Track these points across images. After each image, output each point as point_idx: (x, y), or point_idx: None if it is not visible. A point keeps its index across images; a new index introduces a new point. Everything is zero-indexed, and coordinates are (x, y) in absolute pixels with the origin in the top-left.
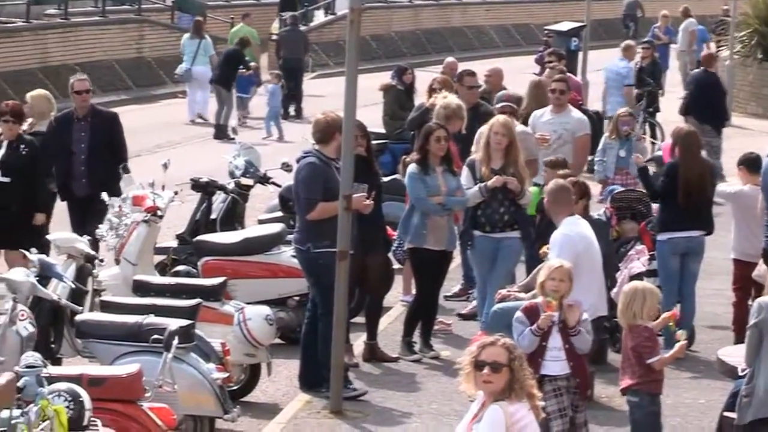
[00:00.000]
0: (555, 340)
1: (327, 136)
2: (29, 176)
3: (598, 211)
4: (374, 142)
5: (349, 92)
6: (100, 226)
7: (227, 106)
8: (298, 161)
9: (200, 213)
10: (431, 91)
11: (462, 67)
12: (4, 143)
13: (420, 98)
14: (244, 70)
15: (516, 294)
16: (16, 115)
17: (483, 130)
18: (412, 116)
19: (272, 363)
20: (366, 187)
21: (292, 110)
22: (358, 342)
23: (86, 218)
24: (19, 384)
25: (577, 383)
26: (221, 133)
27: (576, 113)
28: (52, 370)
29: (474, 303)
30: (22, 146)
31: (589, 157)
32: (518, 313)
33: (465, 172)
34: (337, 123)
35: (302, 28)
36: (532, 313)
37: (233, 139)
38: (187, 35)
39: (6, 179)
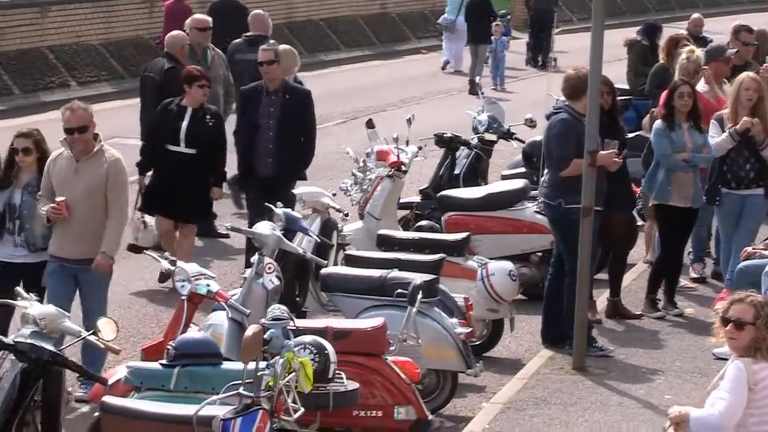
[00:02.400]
0: None
1: (577, 92)
2: (214, 149)
3: None
4: (619, 98)
5: (595, 48)
6: (345, 180)
7: (480, 60)
8: (548, 117)
9: (444, 168)
10: (669, 48)
11: (708, 24)
12: (188, 111)
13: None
14: (496, 22)
15: (762, 251)
16: (208, 80)
17: (733, 85)
18: (652, 73)
19: (515, 318)
20: (616, 144)
21: (540, 59)
22: (602, 298)
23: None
24: (266, 336)
25: None
26: (474, 88)
27: None
28: (298, 323)
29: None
30: (208, 116)
31: None
32: None
33: (713, 126)
34: (587, 79)
35: None
36: None
37: (482, 94)
38: None
39: (191, 151)
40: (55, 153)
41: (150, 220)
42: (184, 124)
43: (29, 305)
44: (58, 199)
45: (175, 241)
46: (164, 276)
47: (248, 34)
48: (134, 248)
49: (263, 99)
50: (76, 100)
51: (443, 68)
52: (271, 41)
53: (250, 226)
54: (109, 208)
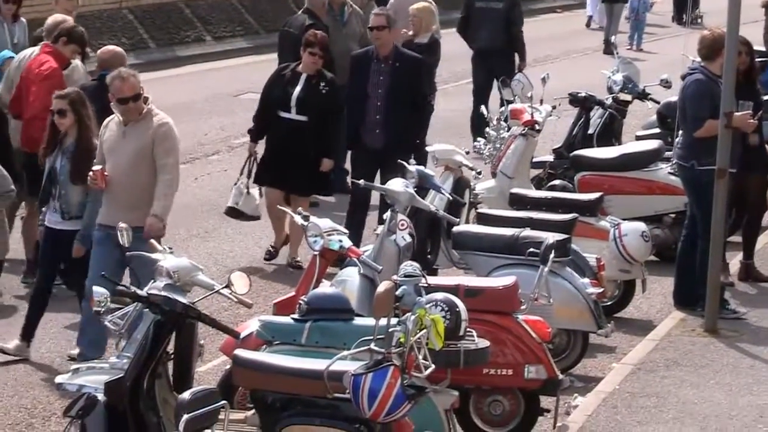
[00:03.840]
0: None
1: (713, 53)
2: (326, 117)
3: None
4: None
5: (733, 8)
6: (478, 138)
7: (615, 19)
8: (683, 78)
9: (577, 128)
10: None
11: None
12: (302, 78)
13: None
14: None
15: None
16: (324, 48)
17: None
18: None
19: (647, 279)
20: (751, 105)
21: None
22: (734, 261)
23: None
24: (398, 293)
25: None
26: (609, 47)
27: None
28: (430, 280)
29: None
30: (323, 83)
31: None
32: None
33: None
34: (723, 40)
35: None
36: None
37: (617, 53)
38: None
39: (303, 118)
40: (108, 119)
41: (254, 188)
42: (297, 89)
43: (163, 258)
44: (95, 167)
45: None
46: (271, 254)
47: None
48: (233, 212)
49: (372, 66)
50: (123, 69)
51: (587, 25)
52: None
53: (353, 207)
54: (159, 173)
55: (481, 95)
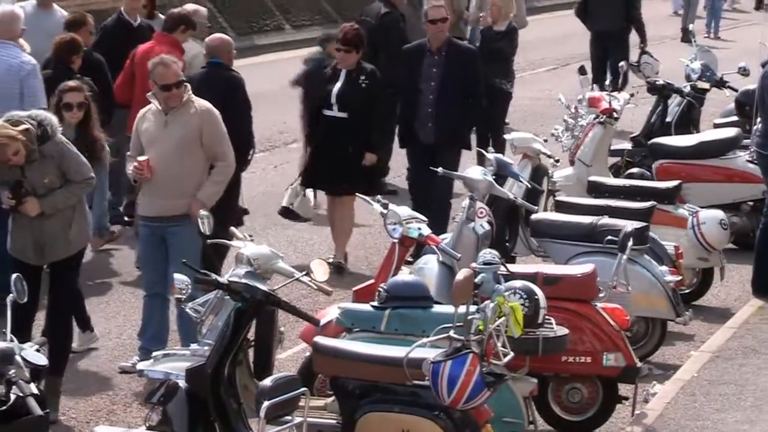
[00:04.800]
0: None
1: None
2: (368, 112)
3: None
4: None
5: None
6: (556, 126)
7: (693, 7)
8: (763, 65)
9: (655, 116)
10: None
11: None
12: (342, 73)
13: None
14: None
15: None
16: (350, 43)
17: None
18: None
19: (725, 267)
20: None
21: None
22: None
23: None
24: (477, 280)
25: None
26: (686, 35)
27: None
28: (509, 267)
29: None
30: (362, 77)
31: None
32: None
33: None
34: None
35: None
36: None
37: (695, 42)
38: None
39: (343, 114)
40: (143, 110)
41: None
42: (337, 86)
43: (243, 245)
44: (141, 158)
45: (335, 211)
46: (287, 212)
47: None
48: (287, 212)
49: (425, 59)
50: (165, 55)
51: (675, 12)
52: None
53: (416, 202)
54: (216, 159)
55: (596, 74)
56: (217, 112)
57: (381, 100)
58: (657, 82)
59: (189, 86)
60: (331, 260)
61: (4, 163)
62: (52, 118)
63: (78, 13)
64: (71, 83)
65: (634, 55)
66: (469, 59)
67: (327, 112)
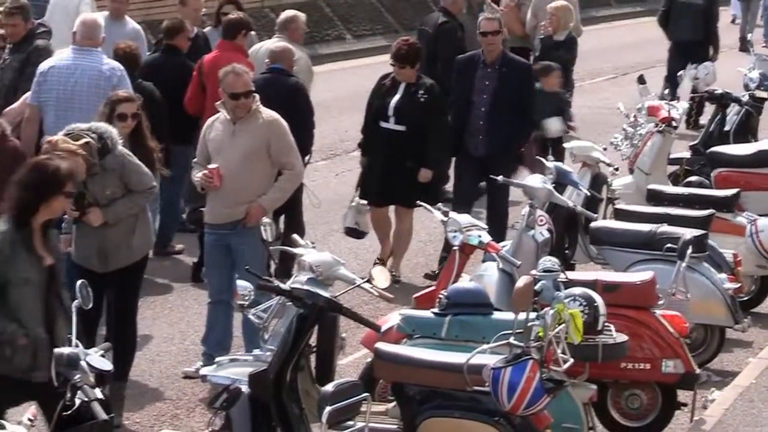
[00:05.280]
0: None
1: None
2: (425, 126)
3: None
4: None
5: None
6: (615, 135)
7: (752, 16)
8: None
9: (714, 124)
10: None
11: None
12: (401, 87)
13: None
14: None
15: None
16: (402, 59)
17: None
18: None
19: None
20: None
21: None
22: None
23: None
24: (537, 287)
25: None
26: (744, 45)
27: None
28: (568, 275)
29: None
30: (421, 91)
31: None
32: None
33: None
34: None
35: None
36: None
37: (753, 51)
38: None
39: (401, 128)
40: (211, 118)
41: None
42: (395, 98)
43: (305, 252)
44: (211, 166)
45: (390, 226)
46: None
47: None
48: (353, 232)
49: (478, 71)
50: (236, 64)
51: (732, 21)
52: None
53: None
54: (283, 168)
55: (673, 82)
56: (284, 122)
57: (439, 115)
58: (716, 92)
59: (258, 96)
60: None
61: None
62: (113, 132)
63: (176, 20)
64: (124, 93)
65: None
66: (523, 74)
67: (384, 125)
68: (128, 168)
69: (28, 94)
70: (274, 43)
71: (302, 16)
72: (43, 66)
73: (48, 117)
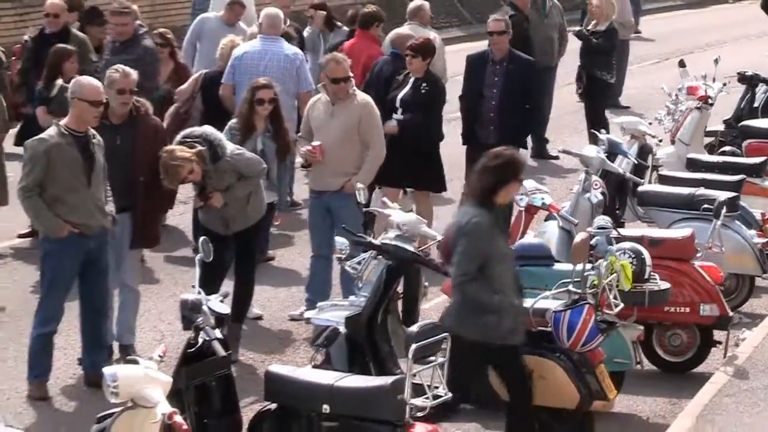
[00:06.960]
0: None
1: None
2: (426, 116)
3: None
4: None
5: None
6: (659, 111)
7: None
8: None
9: (744, 102)
10: None
11: None
12: (411, 80)
13: None
14: None
15: None
16: (417, 50)
17: None
18: None
19: None
20: None
21: None
22: None
23: None
24: (592, 242)
25: None
26: None
27: None
28: (619, 231)
29: None
30: (424, 84)
31: None
32: None
33: None
34: None
35: None
36: None
37: None
38: None
39: (405, 117)
40: (314, 99)
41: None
42: (403, 91)
43: (394, 213)
44: (315, 143)
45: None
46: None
47: None
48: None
49: (488, 67)
50: (338, 53)
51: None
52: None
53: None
54: (370, 147)
55: None
56: (375, 106)
57: (433, 105)
58: (746, 73)
59: (353, 81)
60: None
61: (182, 182)
62: (222, 139)
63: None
64: (263, 81)
65: None
66: (528, 70)
67: (394, 116)
68: (239, 162)
69: (199, 73)
70: (396, 30)
71: (427, 4)
72: (237, 51)
73: (242, 94)
